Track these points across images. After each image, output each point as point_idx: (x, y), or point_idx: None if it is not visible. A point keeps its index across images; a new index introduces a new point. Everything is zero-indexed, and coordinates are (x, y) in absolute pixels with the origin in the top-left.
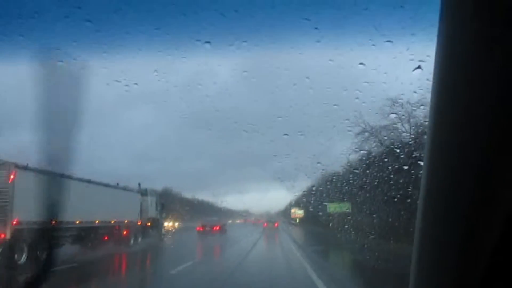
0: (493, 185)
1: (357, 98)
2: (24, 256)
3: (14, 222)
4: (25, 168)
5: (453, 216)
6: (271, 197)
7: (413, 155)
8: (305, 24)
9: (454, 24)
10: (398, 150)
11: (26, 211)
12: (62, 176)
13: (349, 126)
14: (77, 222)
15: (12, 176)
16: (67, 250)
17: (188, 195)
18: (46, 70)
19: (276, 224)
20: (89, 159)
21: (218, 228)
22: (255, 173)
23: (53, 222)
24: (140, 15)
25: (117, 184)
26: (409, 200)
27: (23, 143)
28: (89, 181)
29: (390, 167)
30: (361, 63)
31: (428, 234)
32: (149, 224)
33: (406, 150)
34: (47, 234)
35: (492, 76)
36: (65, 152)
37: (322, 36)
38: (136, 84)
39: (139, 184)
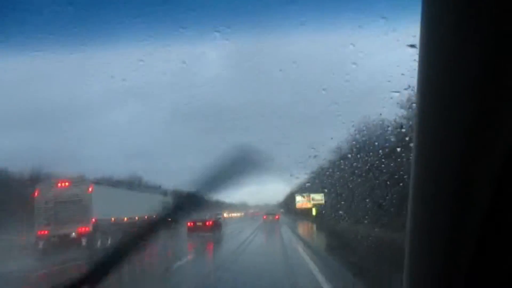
0: (480, 165)
1: (346, 81)
2: (99, 242)
3: (93, 220)
4: (97, 182)
5: (443, 197)
6: (268, 189)
7: (406, 138)
8: (289, 7)
9: (437, 5)
10: (389, 133)
11: (99, 212)
12: (117, 186)
13: (338, 111)
14: (125, 219)
15: (90, 189)
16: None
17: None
18: (26, 64)
19: (276, 217)
20: (74, 154)
21: (210, 223)
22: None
23: (112, 219)
24: (120, 5)
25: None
26: (401, 184)
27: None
28: (129, 188)
29: (381, 151)
30: (351, 44)
31: (419, 217)
32: (169, 219)
33: (396, 132)
34: (110, 228)
35: (475, 57)
36: (49, 148)
37: (306, 19)
38: (121, 75)
39: (160, 186)
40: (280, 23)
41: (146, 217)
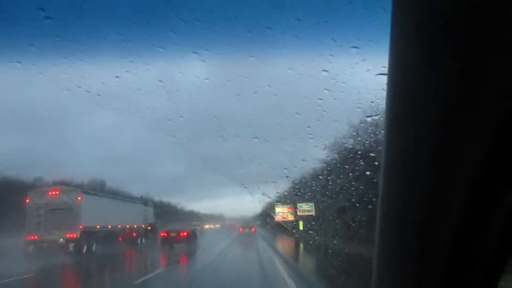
0: (447, 188)
1: (318, 105)
2: (85, 247)
3: (81, 227)
4: (85, 192)
5: (409, 221)
6: (246, 202)
7: (375, 163)
8: (267, 33)
9: (402, 36)
10: (359, 157)
11: (86, 220)
12: (102, 195)
13: (310, 134)
14: (109, 226)
15: (79, 198)
16: (105, 247)
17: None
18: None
19: (253, 230)
20: (58, 164)
21: (185, 234)
22: (223, 179)
23: (98, 226)
24: (102, 21)
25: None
26: (370, 207)
27: None
28: (114, 198)
29: (351, 174)
30: (324, 70)
31: (387, 238)
32: (150, 228)
33: (365, 156)
34: (95, 235)
35: (439, 87)
36: (28, 157)
37: (283, 45)
38: (98, 89)
39: (141, 196)
40: (258, 48)
41: (127, 226)
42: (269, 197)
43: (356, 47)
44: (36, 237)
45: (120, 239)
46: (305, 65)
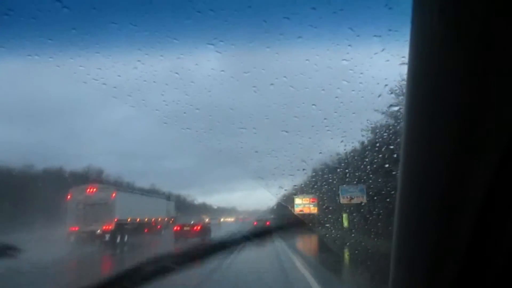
0: (465, 182)
1: (336, 97)
2: (118, 238)
3: (115, 220)
4: (119, 189)
5: (429, 214)
6: (259, 195)
7: (393, 155)
8: (283, 23)
9: (425, 24)
10: (377, 149)
11: (120, 213)
12: (133, 192)
13: (326, 126)
14: (138, 219)
15: (113, 194)
16: (134, 237)
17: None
18: (24, 67)
19: (267, 223)
20: (72, 156)
21: (199, 228)
22: (237, 172)
23: (129, 219)
24: (116, 12)
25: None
26: (388, 199)
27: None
28: (142, 194)
29: (369, 167)
30: (344, 59)
31: (404, 231)
32: (171, 221)
33: (384, 149)
34: (127, 227)
35: (460, 78)
36: (43, 149)
37: (299, 35)
38: (114, 81)
39: (164, 193)
40: (275, 38)
41: (153, 219)
42: (285, 189)
43: (376, 36)
44: (76, 228)
45: (146, 230)
46: (322, 55)
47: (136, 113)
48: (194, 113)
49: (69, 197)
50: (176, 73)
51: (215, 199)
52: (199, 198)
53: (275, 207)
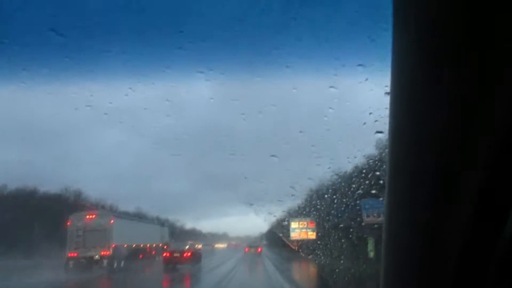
0: (454, 205)
1: (323, 124)
2: (115, 263)
3: (113, 245)
4: (117, 216)
5: (415, 242)
6: (250, 220)
7: (380, 181)
8: (272, 53)
9: (404, 55)
10: (363, 176)
11: (117, 239)
12: (130, 218)
13: (314, 152)
14: (134, 245)
15: (111, 221)
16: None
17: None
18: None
19: (259, 249)
20: (63, 180)
21: (189, 254)
22: (228, 197)
23: (125, 245)
24: (109, 41)
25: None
26: (376, 226)
27: None
28: (139, 220)
29: (356, 193)
30: (331, 87)
31: (392, 260)
32: (165, 246)
33: (370, 175)
34: (124, 252)
35: (438, 105)
36: (33, 171)
37: (287, 65)
38: (106, 108)
39: (157, 217)
40: (264, 67)
41: (148, 245)
42: (275, 216)
43: (360, 65)
44: (75, 254)
45: (140, 256)
46: (309, 84)
47: (126, 138)
48: (184, 139)
49: (68, 223)
50: (167, 100)
51: (205, 224)
52: (189, 223)
53: (266, 233)
